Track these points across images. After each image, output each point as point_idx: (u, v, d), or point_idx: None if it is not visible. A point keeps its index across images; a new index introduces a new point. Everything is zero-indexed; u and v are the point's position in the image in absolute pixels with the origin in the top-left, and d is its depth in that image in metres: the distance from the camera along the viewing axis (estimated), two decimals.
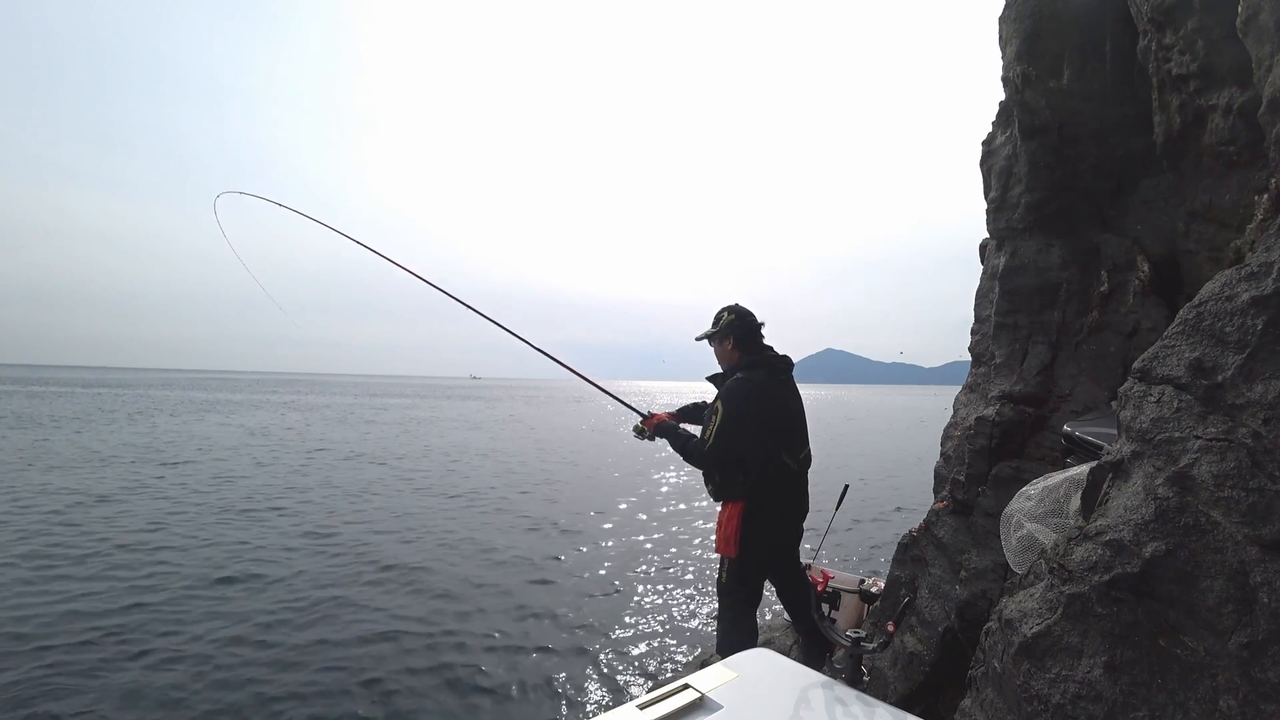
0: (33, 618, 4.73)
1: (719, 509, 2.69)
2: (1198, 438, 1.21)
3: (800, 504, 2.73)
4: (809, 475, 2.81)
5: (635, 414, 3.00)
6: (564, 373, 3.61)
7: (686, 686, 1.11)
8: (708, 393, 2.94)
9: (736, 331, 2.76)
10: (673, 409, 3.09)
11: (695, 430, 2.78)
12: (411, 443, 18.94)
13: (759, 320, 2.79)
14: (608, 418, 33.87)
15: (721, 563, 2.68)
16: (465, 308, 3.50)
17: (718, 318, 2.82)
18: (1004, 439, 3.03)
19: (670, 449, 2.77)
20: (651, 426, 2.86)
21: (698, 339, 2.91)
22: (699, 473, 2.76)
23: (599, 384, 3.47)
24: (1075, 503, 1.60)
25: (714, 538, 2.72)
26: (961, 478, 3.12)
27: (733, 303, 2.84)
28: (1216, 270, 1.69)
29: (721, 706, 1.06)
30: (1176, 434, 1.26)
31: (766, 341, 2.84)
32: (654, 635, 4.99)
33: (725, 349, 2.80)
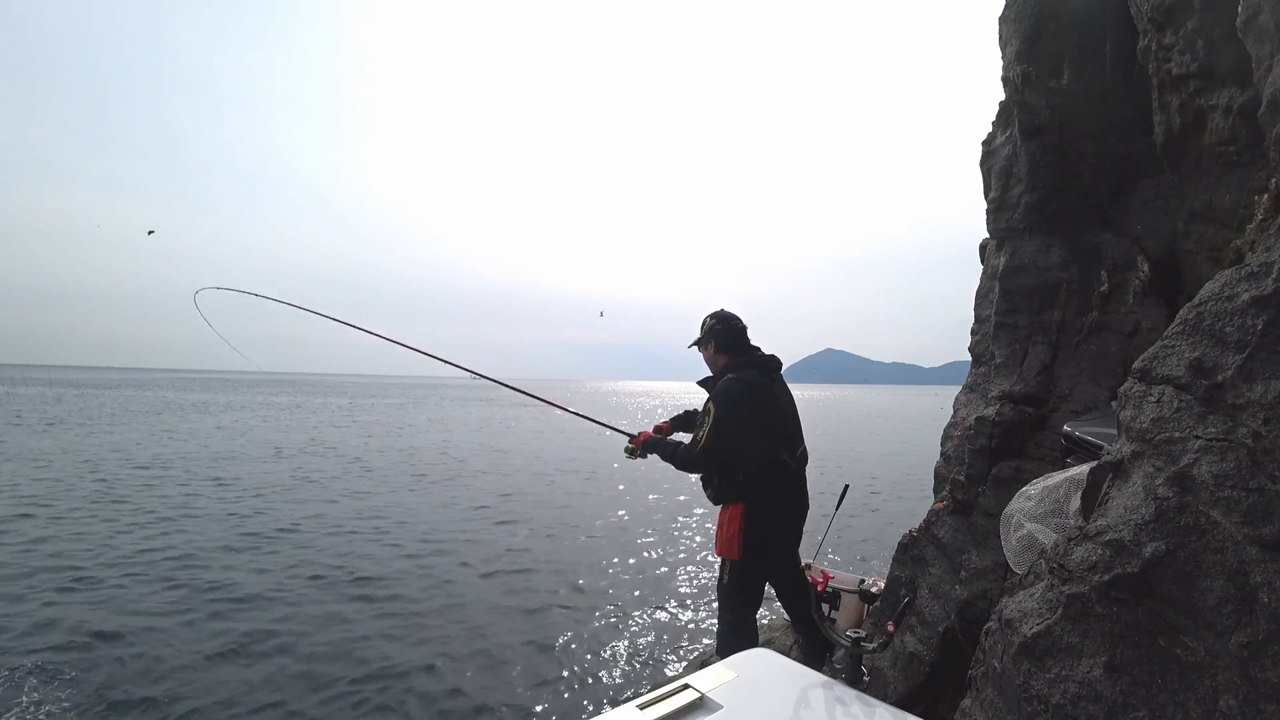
0: None
1: (719, 511, 2.69)
2: (1198, 438, 1.21)
3: (800, 502, 2.73)
4: (807, 474, 2.81)
5: (624, 436, 3.05)
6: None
7: (686, 686, 1.11)
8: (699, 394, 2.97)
9: (720, 337, 2.84)
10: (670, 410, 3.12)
11: (688, 439, 2.78)
12: (417, 442, 18.94)
13: (743, 323, 2.88)
14: (604, 415, 33.68)
15: (723, 565, 2.67)
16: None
17: (703, 324, 2.91)
18: (1004, 439, 3.03)
19: (661, 461, 2.79)
20: (640, 444, 2.90)
21: (689, 347, 3.00)
22: (696, 475, 2.78)
23: (582, 414, 3.69)
24: (1075, 503, 1.60)
25: (714, 539, 2.72)
26: (961, 478, 3.12)
27: (718, 308, 2.93)
28: (1216, 270, 1.69)
29: (721, 706, 1.06)
30: (1176, 434, 1.25)
31: (758, 342, 2.90)
32: (654, 635, 4.99)
33: (711, 354, 2.88)
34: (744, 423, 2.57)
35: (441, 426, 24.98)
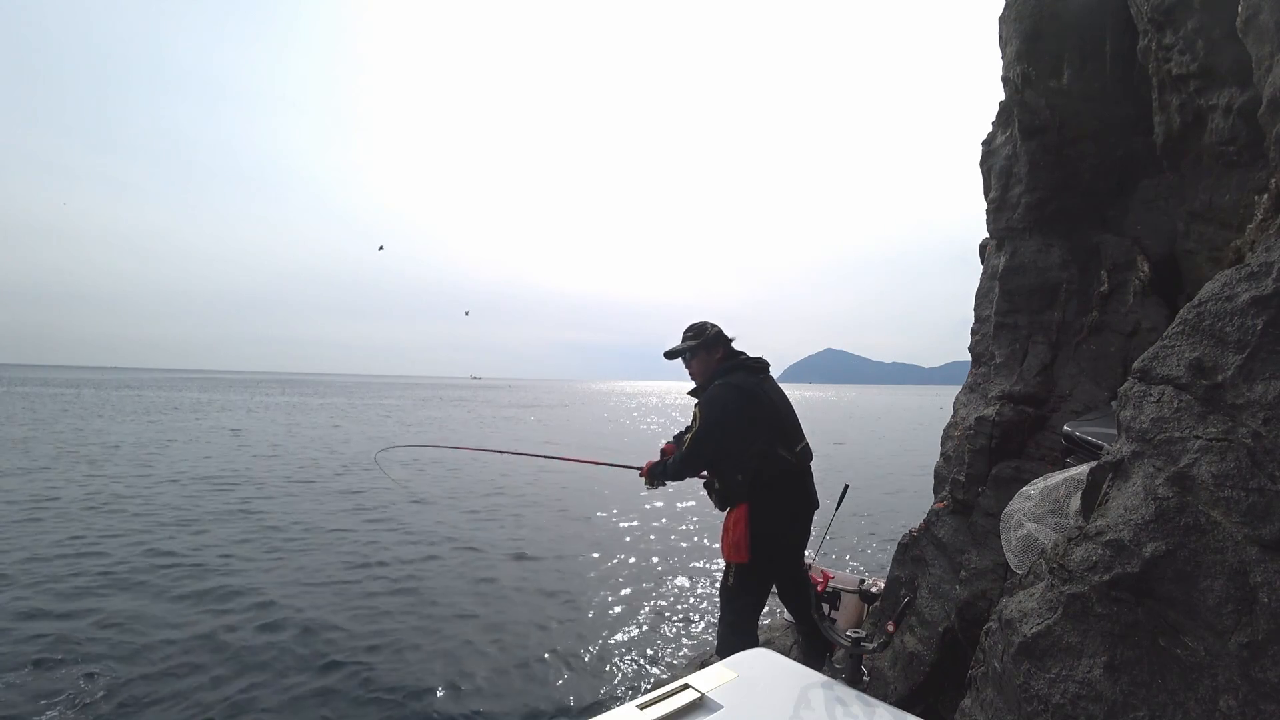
0: None
1: (724, 516, 2.68)
2: (1198, 438, 1.22)
3: (806, 499, 2.73)
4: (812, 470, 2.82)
5: (633, 470, 3.09)
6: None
7: (686, 686, 1.11)
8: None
9: (701, 349, 2.87)
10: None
11: None
12: (419, 440, 18.93)
13: (727, 335, 2.92)
14: (604, 415, 33.90)
15: (728, 567, 2.65)
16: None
17: (685, 336, 2.93)
18: (1004, 439, 3.03)
19: (673, 482, 2.88)
20: (647, 474, 2.93)
21: (666, 356, 2.99)
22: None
23: (591, 460, 3.84)
24: (1075, 503, 1.60)
25: (719, 541, 2.71)
26: (961, 478, 3.12)
27: (698, 321, 2.94)
28: (1216, 270, 1.69)
29: (721, 706, 1.06)
30: (1176, 434, 1.26)
31: (754, 348, 2.96)
32: (654, 635, 4.99)
33: (698, 364, 2.90)
34: (732, 425, 2.59)
35: (440, 425, 25.01)
